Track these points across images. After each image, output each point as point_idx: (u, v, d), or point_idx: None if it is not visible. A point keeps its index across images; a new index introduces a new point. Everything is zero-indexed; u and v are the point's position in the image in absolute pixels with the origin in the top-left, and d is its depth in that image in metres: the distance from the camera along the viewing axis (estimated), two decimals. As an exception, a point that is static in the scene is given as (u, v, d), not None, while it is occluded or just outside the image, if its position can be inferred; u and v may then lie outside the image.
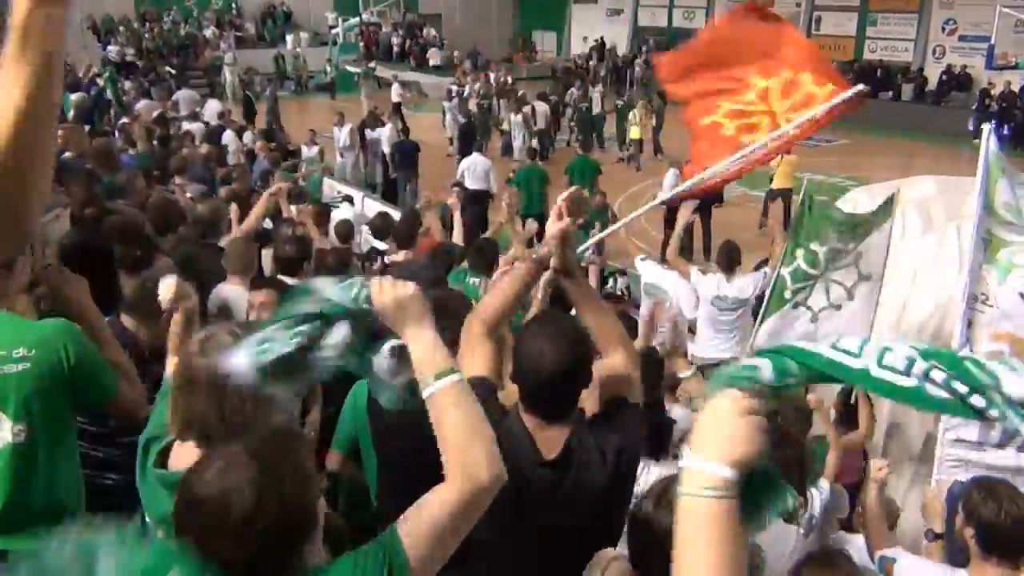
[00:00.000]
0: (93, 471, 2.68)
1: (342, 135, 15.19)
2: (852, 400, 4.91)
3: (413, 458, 2.98)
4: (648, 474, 3.04)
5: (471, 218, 9.25)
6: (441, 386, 1.57)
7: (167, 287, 2.67)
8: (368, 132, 15.57)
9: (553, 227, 2.42)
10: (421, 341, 1.59)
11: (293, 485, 1.44)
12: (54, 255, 2.55)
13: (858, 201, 6.24)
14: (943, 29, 25.27)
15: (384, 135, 15.28)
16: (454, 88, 21.02)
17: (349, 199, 10.94)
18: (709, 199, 12.27)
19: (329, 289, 1.57)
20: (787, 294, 5.52)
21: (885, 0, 26.49)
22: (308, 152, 13.83)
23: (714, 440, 1.17)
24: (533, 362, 2.19)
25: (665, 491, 2.18)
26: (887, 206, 5.31)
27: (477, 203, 11.63)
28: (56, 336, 2.28)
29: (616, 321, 2.54)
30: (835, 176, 16.57)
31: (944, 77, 24.50)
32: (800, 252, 5.47)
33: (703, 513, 1.15)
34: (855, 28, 27.37)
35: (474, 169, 12.70)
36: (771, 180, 13.28)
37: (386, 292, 1.58)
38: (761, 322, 5.65)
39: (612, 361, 2.43)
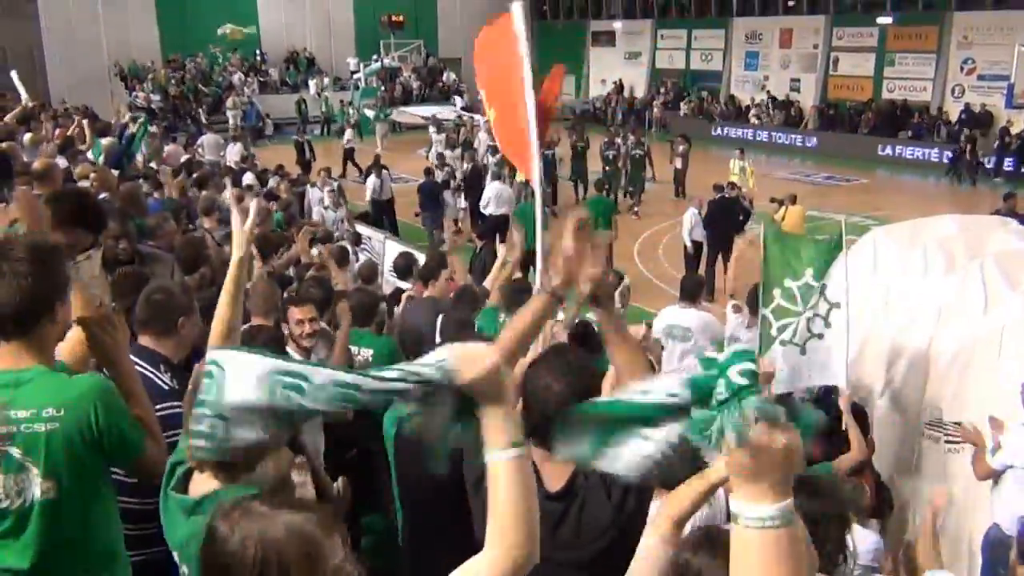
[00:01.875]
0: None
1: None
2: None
3: (436, 497, 3.01)
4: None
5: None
6: (506, 457, 1.56)
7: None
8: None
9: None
10: (501, 409, 1.56)
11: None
12: (80, 293, 2.59)
13: (877, 240, 6.24)
14: (962, 68, 25.30)
15: (369, 184, 15.42)
16: (436, 137, 21.02)
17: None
18: (730, 240, 12.28)
19: (414, 366, 1.49)
20: (773, 332, 5.57)
21: (903, 40, 26.61)
22: (336, 214, 13.05)
23: (750, 485, 1.21)
24: (539, 395, 2.25)
25: (704, 538, 2.17)
26: (837, 239, 5.48)
27: (502, 227, 12.66)
28: (86, 395, 2.28)
29: (643, 358, 2.53)
30: (855, 215, 16.52)
31: (963, 116, 24.49)
32: (777, 291, 5.55)
33: (761, 543, 1.20)
34: (873, 68, 27.48)
35: (499, 196, 13.93)
36: None
37: (476, 364, 1.53)
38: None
39: None
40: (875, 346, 5.74)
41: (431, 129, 22.16)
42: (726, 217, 12.48)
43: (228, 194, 3.07)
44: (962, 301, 5.44)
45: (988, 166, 22.17)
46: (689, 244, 12.55)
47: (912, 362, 5.52)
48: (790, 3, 29.74)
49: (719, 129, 29.20)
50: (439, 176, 16.33)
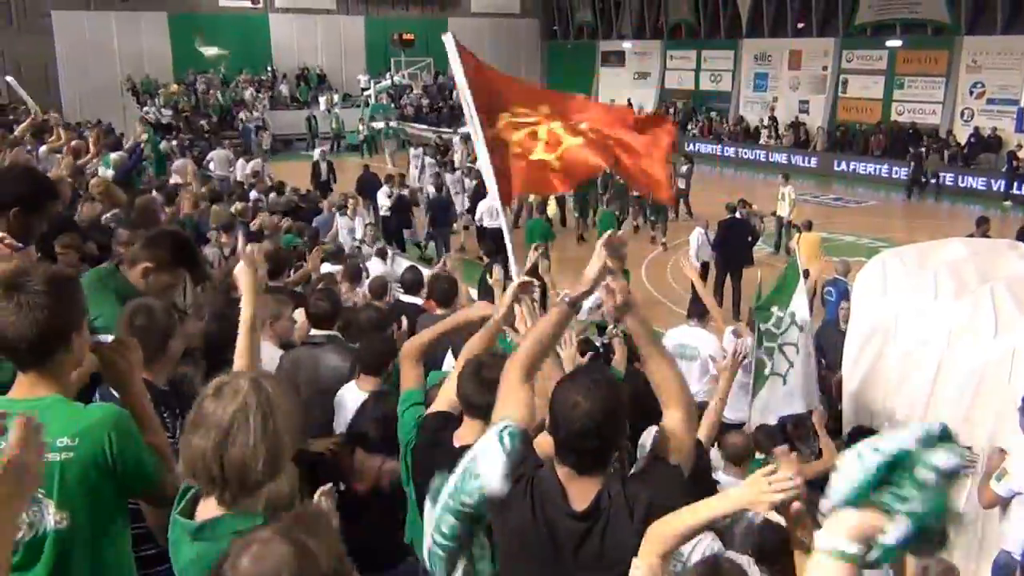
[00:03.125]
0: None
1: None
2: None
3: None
4: (700, 544, 2.88)
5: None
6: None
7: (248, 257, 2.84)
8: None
9: (591, 267, 2.48)
10: None
11: (328, 562, 1.46)
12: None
13: (887, 263, 6.22)
14: (971, 92, 25.32)
15: (383, 197, 15.46)
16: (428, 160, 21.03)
17: (383, 253, 10.98)
18: (739, 261, 12.27)
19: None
20: (766, 371, 6.02)
21: (912, 63, 26.66)
22: (372, 249, 11.95)
23: (846, 528, 1.38)
24: (565, 413, 2.22)
25: (709, 570, 2.15)
26: (794, 265, 6.16)
27: (496, 239, 13.13)
28: (100, 425, 2.26)
29: (678, 376, 2.52)
30: (864, 237, 16.49)
31: (973, 140, 24.47)
32: (775, 308, 6.03)
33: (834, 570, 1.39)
34: (882, 91, 27.52)
35: (491, 210, 14.08)
36: None
37: None
38: (752, 398, 6.09)
39: (668, 422, 2.44)
40: (884, 368, 5.72)
41: (414, 150, 22.19)
42: (736, 238, 12.45)
43: (240, 247, 3.05)
44: (973, 324, 5.42)
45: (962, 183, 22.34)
46: (697, 265, 12.50)
47: (921, 385, 5.50)
48: (799, 25, 29.85)
49: (727, 149, 29.45)
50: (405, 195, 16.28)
